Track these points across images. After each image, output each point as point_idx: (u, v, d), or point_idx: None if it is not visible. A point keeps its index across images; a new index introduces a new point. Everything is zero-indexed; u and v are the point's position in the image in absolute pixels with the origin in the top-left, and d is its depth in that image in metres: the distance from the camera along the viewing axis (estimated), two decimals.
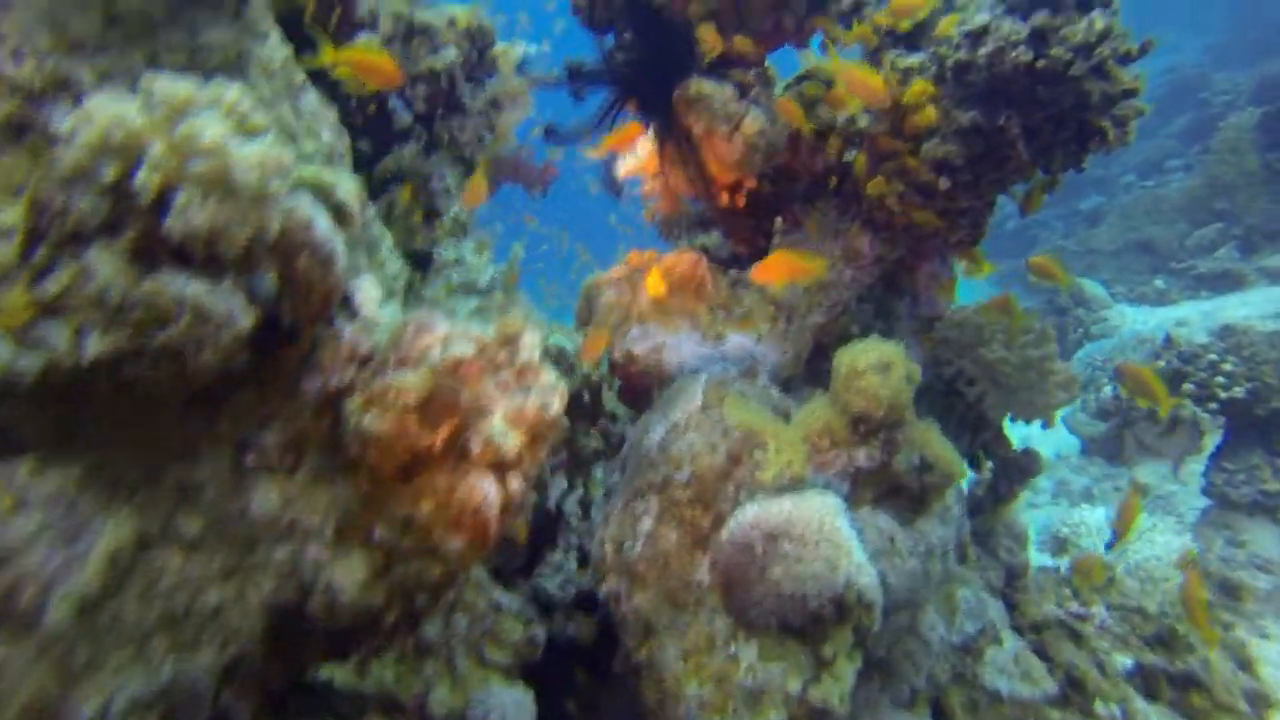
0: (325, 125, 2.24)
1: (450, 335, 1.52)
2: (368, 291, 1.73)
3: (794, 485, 2.20)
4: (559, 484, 3.82)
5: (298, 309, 1.49)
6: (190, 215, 1.20)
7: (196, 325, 1.21)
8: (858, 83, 2.39)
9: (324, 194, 2.03)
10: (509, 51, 4.17)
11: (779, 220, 3.29)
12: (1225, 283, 9.27)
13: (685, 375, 2.62)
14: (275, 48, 2.16)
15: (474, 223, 4.19)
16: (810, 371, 3.14)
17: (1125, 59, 2.21)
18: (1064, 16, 2.16)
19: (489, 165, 3.33)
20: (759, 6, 2.57)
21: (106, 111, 1.20)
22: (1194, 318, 8.41)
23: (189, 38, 1.85)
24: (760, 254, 3.59)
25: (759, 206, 3.31)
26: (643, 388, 2.84)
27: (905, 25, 2.63)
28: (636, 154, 3.06)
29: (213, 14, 1.88)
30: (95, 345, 1.14)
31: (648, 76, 2.53)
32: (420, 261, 3.69)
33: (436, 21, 3.71)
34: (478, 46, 3.84)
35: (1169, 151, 12.69)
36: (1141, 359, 7.31)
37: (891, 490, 2.37)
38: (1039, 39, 2.18)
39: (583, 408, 4.03)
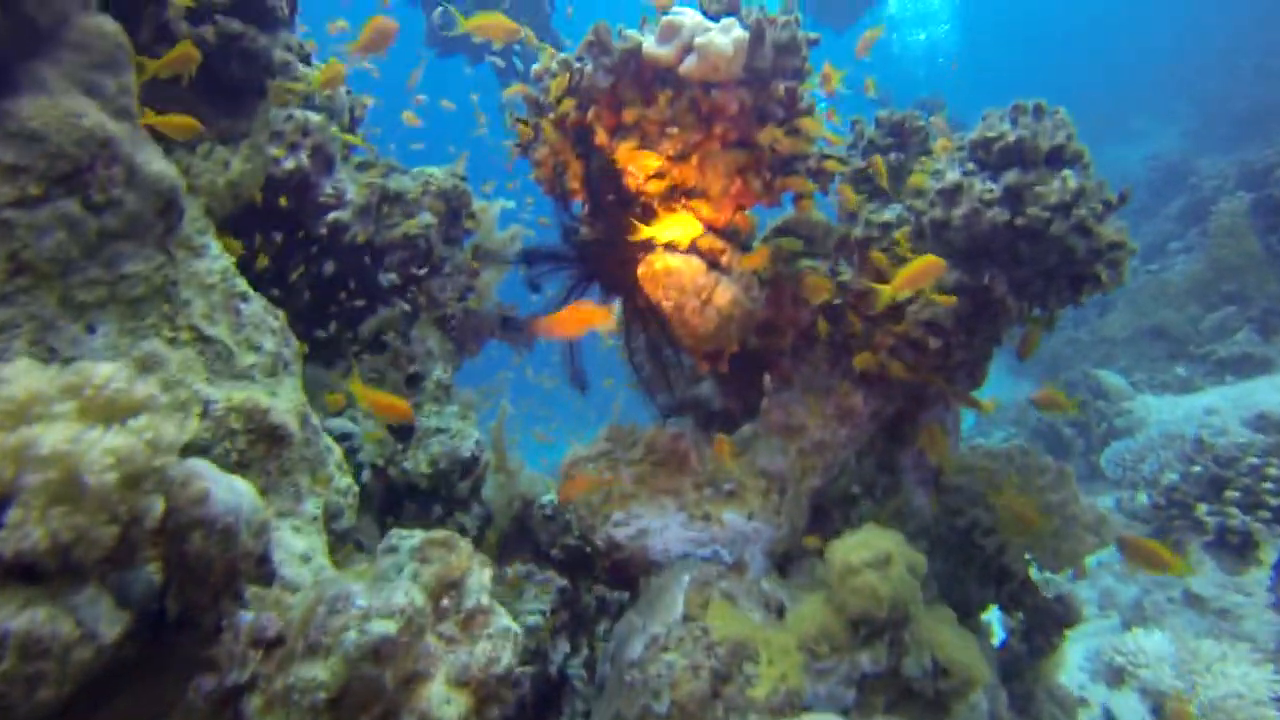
0: (268, 333, 2.11)
1: (369, 613, 1.31)
2: (288, 546, 1.54)
3: (790, 702, 1.93)
4: (561, 647, 3.53)
5: (191, 594, 1.29)
6: (25, 533, 1.02)
7: (26, 663, 1.02)
8: (917, 276, 2.13)
9: (256, 418, 1.87)
10: (488, 209, 4.12)
11: (767, 378, 3.11)
12: (1248, 366, 8.93)
13: (670, 567, 2.37)
14: (214, 259, 2.05)
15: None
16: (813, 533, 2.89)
17: (1106, 212, 2.05)
18: (1036, 174, 2.01)
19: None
20: (722, 172, 2.46)
21: None
22: (1223, 405, 8.03)
23: (109, 272, 1.73)
24: (753, 409, 3.40)
25: (747, 362, 3.13)
26: (628, 576, 2.60)
27: (884, 181, 2.51)
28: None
29: (136, 245, 1.77)
30: None
31: (610, 252, 2.40)
32: (402, 432, 3.53)
33: (410, 186, 3.66)
34: (454, 206, 3.79)
35: (1168, 234, 12.55)
36: (1174, 458, 6.95)
37: (905, 693, 2.08)
38: (1014, 198, 2.02)
39: (584, 563, 3.78)
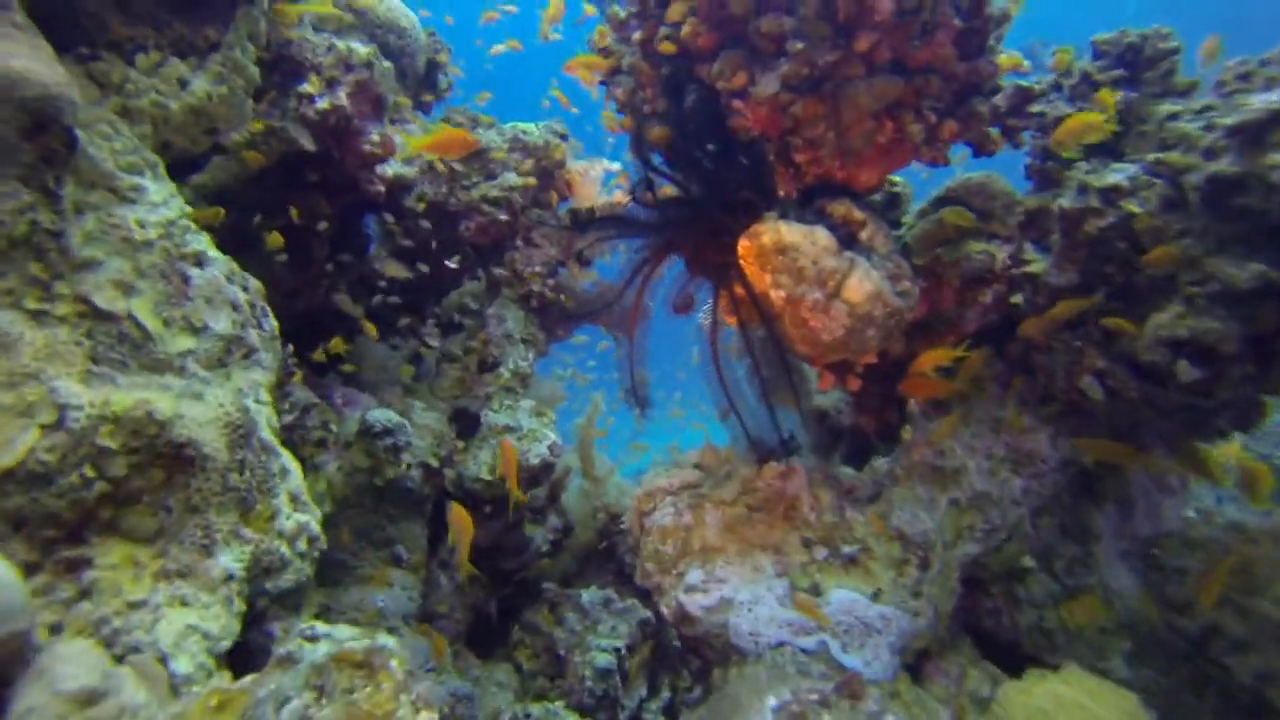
0: (225, 309, 1.50)
1: None
2: (62, 673, 0.89)
3: None
4: (638, 690, 2.85)
5: None
6: None
7: None
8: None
9: (146, 433, 1.26)
10: (587, 170, 3.43)
11: (914, 399, 2.25)
12: None
13: (754, 663, 1.61)
14: (152, 207, 1.45)
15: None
16: (961, 622, 2.03)
17: None
18: None
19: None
20: (865, 109, 1.63)
21: None
22: None
23: None
24: (891, 433, 2.55)
25: (888, 371, 2.29)
26: (701, 659, 1.86)
27: (1110, 127, 1.60)
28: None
29: None
30: None
31: (700, 218, 1.64)
32: (469, 423, 2.93)
33: (496, 142, 3.02)
34: (545, 167, 3.12)
35: None
36: None
37: None
38: None
39: None
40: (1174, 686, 1.90)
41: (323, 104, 2.17)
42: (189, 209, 1.51)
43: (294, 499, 1.44)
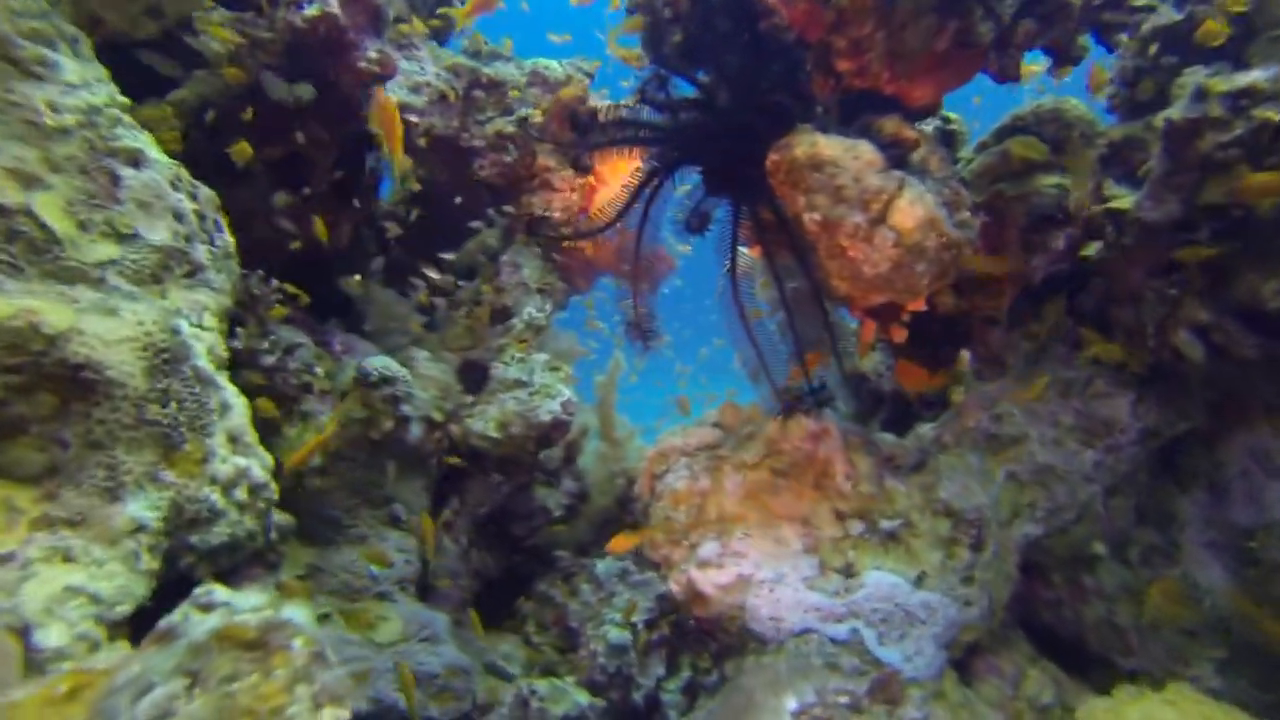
0: (164, 217, 1.26)
1: None
2: None
3: None
4: (655, 668, 2.61)
5: None
6: None
7: None
8: None
9: (31, 347, 1.02)
10: (613, 110, 3.13)
11: (965, 355, 1.94)
12: None
13: (774, 651, 1.34)
14: (69, 88, 1.21)
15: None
16: (1015, 614, 1.73)
17: None
18: None
19: None
20: (921, 4, 1.32)
21: None
22: None
23: None
24: (940, 399, 2.23)
25: (937, 328, 1.98)
26: (718, 644, 1.59)
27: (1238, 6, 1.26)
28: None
29: None
30: None
31: (722, 124, 1.35)
32: (478, 377, 2.68)
33: (513, 75, 2.74)
34: (566, 103, 2.83)
35: None
36: None
37: None
38: None
39: None
40: (1276, 703, 1.58)
41: (311, 10, 1.91)
42: (123, 100, 1.27)
43: (234, 440, 1.20)
